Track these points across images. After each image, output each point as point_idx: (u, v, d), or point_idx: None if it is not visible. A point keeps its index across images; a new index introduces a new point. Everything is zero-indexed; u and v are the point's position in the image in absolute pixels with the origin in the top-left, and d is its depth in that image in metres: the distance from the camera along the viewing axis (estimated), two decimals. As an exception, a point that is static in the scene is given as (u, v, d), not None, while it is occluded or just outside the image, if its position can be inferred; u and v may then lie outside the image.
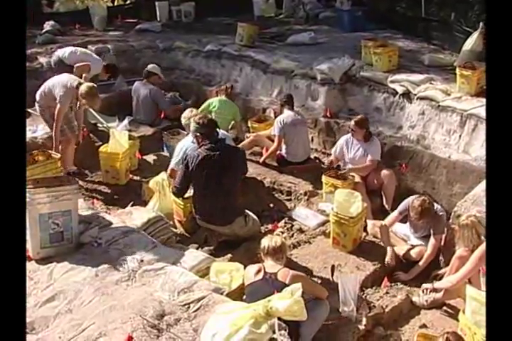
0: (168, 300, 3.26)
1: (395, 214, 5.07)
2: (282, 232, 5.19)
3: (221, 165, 4.82)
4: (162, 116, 7.75)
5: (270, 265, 3.84)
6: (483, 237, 4.16)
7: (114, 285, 3.44)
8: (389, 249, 4.96)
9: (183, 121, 5.92)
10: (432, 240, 4.89)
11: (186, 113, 5.94)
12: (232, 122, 7.26)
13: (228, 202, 4.91)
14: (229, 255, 4.75)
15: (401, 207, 5.05)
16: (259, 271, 3.82)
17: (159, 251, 3.82)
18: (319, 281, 4.57)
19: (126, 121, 7.45)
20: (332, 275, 4.54)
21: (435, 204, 5.01)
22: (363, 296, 4.51)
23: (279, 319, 2.79)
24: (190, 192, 5.13)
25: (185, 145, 5.45)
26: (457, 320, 4.07)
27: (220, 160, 4.81)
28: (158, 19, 11.28)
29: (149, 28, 10.58)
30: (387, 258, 4.90)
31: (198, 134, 4.96)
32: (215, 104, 7.01)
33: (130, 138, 6.65)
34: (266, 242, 3.93)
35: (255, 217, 5.21)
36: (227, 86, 7.28)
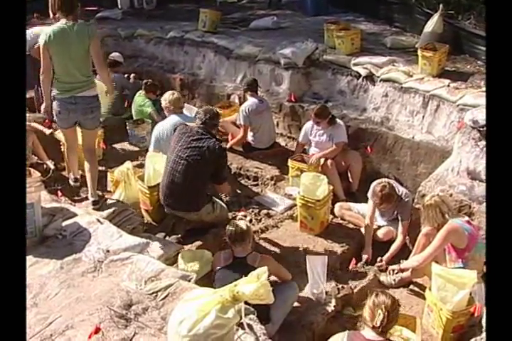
0: (135, 289, 3.24)
1: (370, 203, 5.09)
2: (245, 216, 5.20)
3: (194, 160, 4.72)
4: (126, 105, 7.65)
5: (239, 250, 3.88)
6: (447, 216, 4.24)
7: (80, 277, 3.41)
8: (366, 246, 5.02)
9: (163, 103, 5.85)
10: (400, 227, 4.95)
11: (167, 95, 5.84)
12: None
13: (195, 190, 4.81)
14: (197, 242, 4.75)
15: (371, 193, 5.09)
16: (229, 256, 3.86)
17: (125, 241, 3.79)
18: (288, 265, 4.60)
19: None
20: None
21: (401, 189, 5.06)
22: (332, 278, 4.56)
23: (247, 303, 2.79)
24: (157, 181, 5.12)
25: (162, 130, 5.53)
26: (424, 298, 4.16)
27: (197, 155, 4.70)
28: (120, 7, 11.04)
29: (110, 16, 10.35)
30: (365, 255, 4.96)
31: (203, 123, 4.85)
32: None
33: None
34: (231, 229, 3.95)
35: (222, 203, 5.20)
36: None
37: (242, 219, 4.61)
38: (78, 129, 4.93)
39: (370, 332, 3.12)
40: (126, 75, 8.17)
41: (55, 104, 4.68)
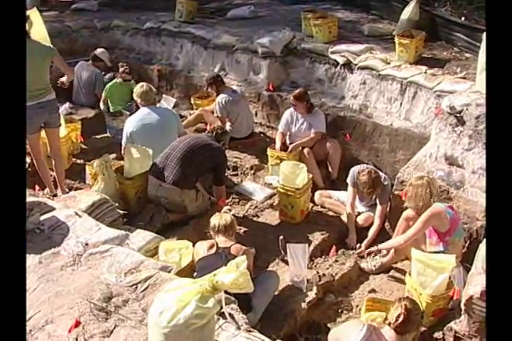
0: (115, 281, 3.21)
1: (350, 189, 5.15)
2: (230, 209, 5.19)
3: (196, 143, 5.00)
4: (103, 98, 7.57)
5: (223, 240, 3.90)
6: (432, 199, 4.30)
7: (59, 271, 3.37)
8: (351, 233, 5.06)
9: (135, 97, 5.79)
10: (378, 211, 5.00)
11: (136, 89, 5.76)
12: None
13: (188, 169, 4.92)
14: (177, 233, 4.74)
15: (350, 179, 5.12)
16: (211, 246, 3.86)
17: (104, 234, 3.74)
18: (268, 254, 4.62)
19: (66, 105, 7.29)
20: (280, 247, 4.58)
21: (380, 173, 5.11)
22: (313, 265, 4.59)
23: (228, 293, 2.79)
24: (136, 172, 5.10)
25: (132, 124, 5.48)
26: (404, 283, 4.20)
27: (199, 143, 5.02)
28: (95, -3, 10.90)
29: (86, 7, 10.18)
30: (349, 241, 5.01)
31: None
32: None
33: (71, 121, 6.51)
34: (216, 220, 4.00)
35: (205, 193, 5.21)
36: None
37: (226, 212, 4.61)
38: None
39: (388, 331, 3.18)
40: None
41: None
